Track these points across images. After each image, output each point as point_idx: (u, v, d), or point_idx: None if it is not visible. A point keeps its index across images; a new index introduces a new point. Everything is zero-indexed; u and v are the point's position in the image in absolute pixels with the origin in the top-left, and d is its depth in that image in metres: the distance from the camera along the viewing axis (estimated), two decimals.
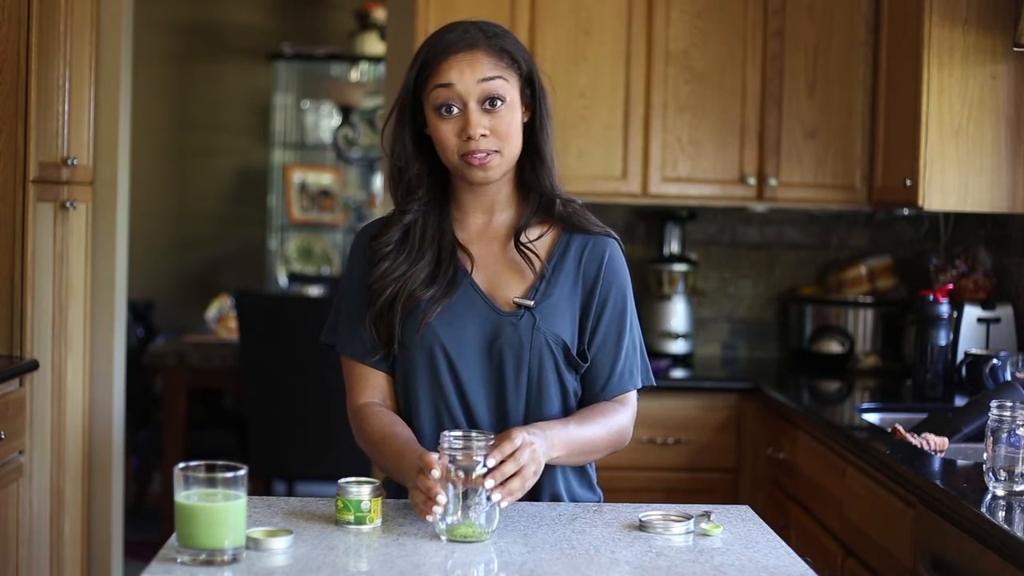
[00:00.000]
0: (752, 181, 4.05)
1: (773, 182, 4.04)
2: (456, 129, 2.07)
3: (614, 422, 2.16)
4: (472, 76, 2.06)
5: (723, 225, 4.43)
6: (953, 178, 3.49)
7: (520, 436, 1.90)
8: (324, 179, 7.22)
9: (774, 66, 4.04)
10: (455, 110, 2.07)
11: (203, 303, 6.13)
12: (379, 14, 6.72)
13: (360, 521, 1.92)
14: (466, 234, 2.18)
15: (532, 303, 2.11)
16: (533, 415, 2.12)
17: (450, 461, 1.85)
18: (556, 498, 2.16)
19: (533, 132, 2.16)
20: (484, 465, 1.85)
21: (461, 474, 1.84)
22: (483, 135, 2.06)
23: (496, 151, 2.08)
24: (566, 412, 2.16)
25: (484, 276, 2.15)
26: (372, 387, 2.17)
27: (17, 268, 3.29)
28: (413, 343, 2.11)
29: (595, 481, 2.27)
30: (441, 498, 1.82)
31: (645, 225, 4.42)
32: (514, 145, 2.11)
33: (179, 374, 5.14)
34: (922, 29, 3.46)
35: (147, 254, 6.55)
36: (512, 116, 2.10)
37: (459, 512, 1.84)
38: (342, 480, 1.95)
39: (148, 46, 6.45)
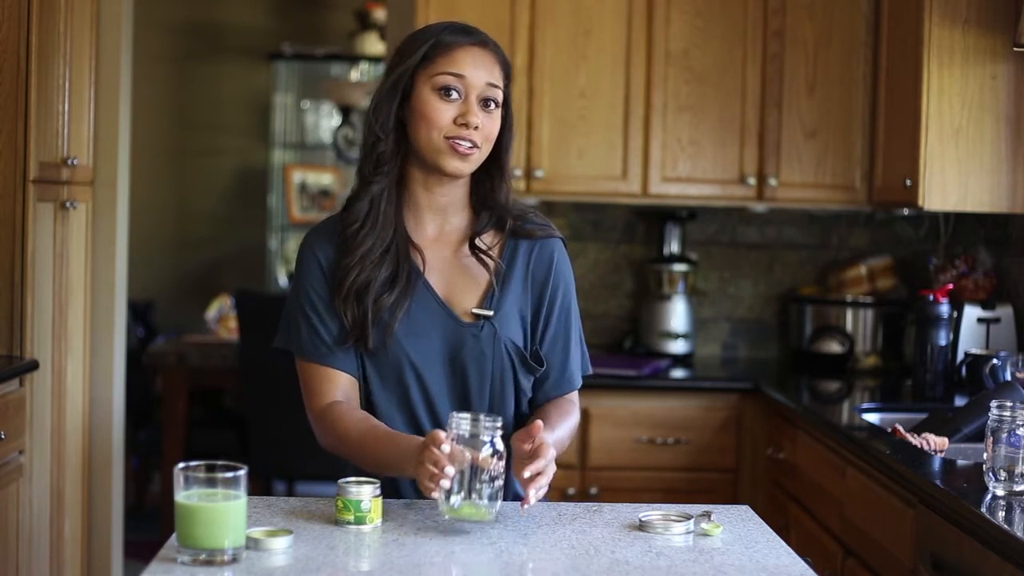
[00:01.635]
0: (752, 181, 4.05)
1: (773, 182, 4.04)
2: (453, 113, 2.09)
3: (573, 421, 2.23)
4: (483, 74, 2.11)
5: (723, 225, 4.43)
6: (953, 178, 3.49)
7: (552, 450, 1.94)
8: (324, 179, 7.22)
9: (774, 66, 4.04)
10: (456, 97, 2.10)
11: (203, 303, 6.13)
12: (379, 14, 6.72)
13: (360, 521, 1.92)
14: (418, 236, 2.19)
15: (491, 313, 2.14)
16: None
17: (457, 441, 1.87)
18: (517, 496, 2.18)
19: (500, 146, 2.19)
20: (492, 445, 1.86)
21: (468, 454, 1.85)
22: (476, 127, 2.10)
23: (479, 147, 2.12)
24: (519, 415, 2.21)
25: (440, 282, 2.17)
26: (335, 387, 2.15)
27: (17, 268, 3.29)
28: (380, 353, 2.12)
29: None
30: (449, 470, 1.83)
31: (645, 225, 4.42)
32: (488, 149, 2.15)
33: (179, 374, 5.14)
34: (922, 29, 3.46)
35: (147, 254, 6.54)
36: (496, 123, 2.15)
37: (464, 492, 1.86)
38: (342, 480, 1.95)
39: (148, 46, 6.45)
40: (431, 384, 2.14)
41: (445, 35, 2.12)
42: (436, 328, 2.14)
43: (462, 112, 2.09)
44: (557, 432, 2.13)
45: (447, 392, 2.15)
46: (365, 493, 1.92)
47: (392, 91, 2.14)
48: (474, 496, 1.86)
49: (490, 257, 2.17)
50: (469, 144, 2.10)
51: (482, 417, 1.89)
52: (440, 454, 1.84)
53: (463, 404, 2.15)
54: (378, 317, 2.10)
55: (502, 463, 1.88)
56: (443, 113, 2.09)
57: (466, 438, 1.87)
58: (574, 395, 2.27)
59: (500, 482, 1.88)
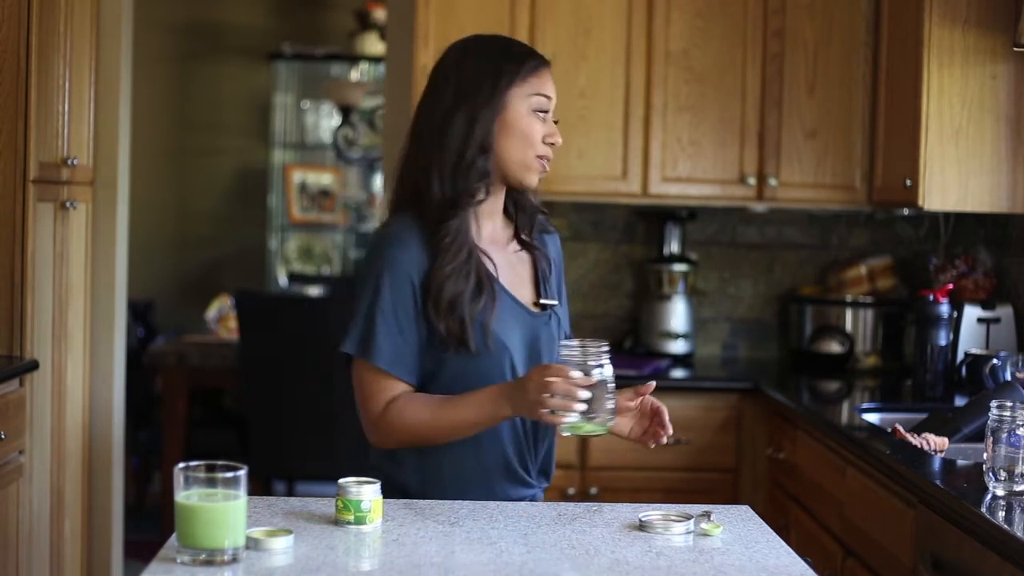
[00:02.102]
0: (752, 181, 4.05)
1: (773, 182, 4.04)
2: (543, 132, 2.21)
3: None
4: (555, 99, 2.25)
5: (723, 225, 4.43)
6: (953, 178, 3.49)
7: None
8: (324, 179, 7.22)
9: (774, 66, 4.04)
10: (546, 116, 2.23)
11: (203, 303, 6.13)
12: (379, 14, 6.72)
13: (360, 521, 1.92)
14: (479, 240, 2.25)
15: (556, 302, 2.29)
16: None
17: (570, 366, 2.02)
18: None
19: None
20: (601, 368, 2.02)
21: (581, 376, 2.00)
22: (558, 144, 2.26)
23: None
24: None
25: (504, 280, 2.25)
26: (395, 390, 2.18)
27: (17, 268, 3.29)
28: (484, 354, 2.17)
29: None
30: (584, 393, 1.99)
31: (645, 225, 4.42)
32: None
33: (179, 374, 5.14)
34: (922, 29, 3.46)
35: (147, 254, 6.55)
36: None
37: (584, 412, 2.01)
38: (342, 480, 1.95)
39: (148, 46, 6.45)
40: (521, 374, 2.20)
41: (532, 57, 2.22)
42: (518, 323, 2.22)
43: (549, 132, 2.22)
44: None
45: None
46: (365, 493, 1.93)
47: (492, 106, 2.18)
48: (591, 415, 2.01)
49: (539, 251, 2.31)
50: (547, 161, 2.23)
51: (589, 342, 2.03)
52: (573, 382, 1.98)
53: None
54: (474, 322, 2.15)
55: (612, 384, 2.03)
56: (539, 133, 2.20)
57: (578, 362, 2.02)
58: None
59: (612, 403, 2.03)
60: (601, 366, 2.02)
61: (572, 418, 2.00)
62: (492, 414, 2.10)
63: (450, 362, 2.16)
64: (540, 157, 2.20)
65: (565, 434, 2.06)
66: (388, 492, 2.06)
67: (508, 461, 2.21)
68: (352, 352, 2.17)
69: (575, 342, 2.04)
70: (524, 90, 2.18)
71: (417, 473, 2.21)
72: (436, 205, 2.17)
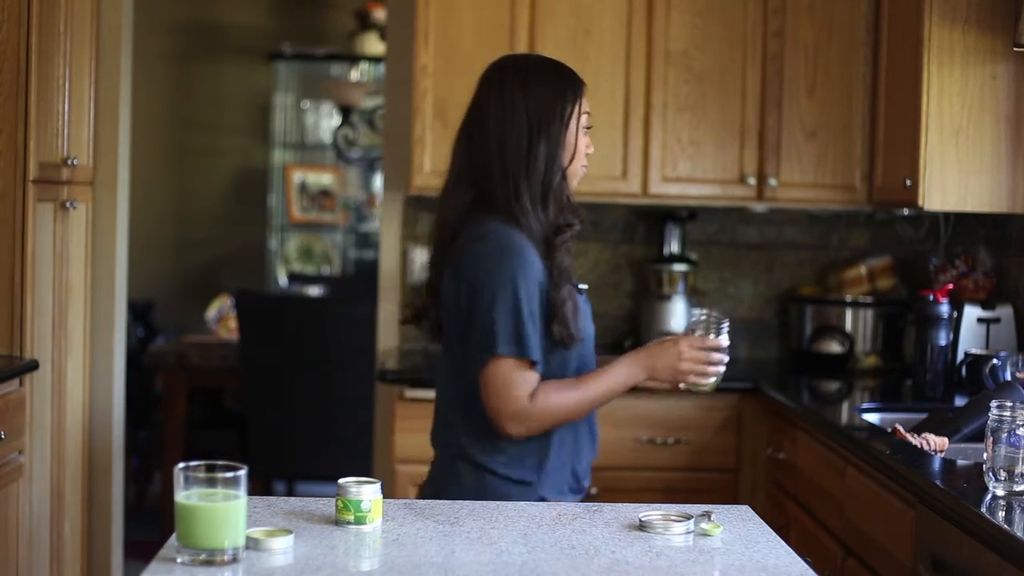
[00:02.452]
0: (752, 181, 4.05)
1: (773, 182, 4.04)
2: (585, 143, 2.50)
3: None
4: None
5: (723, 225, 4.43)
6: (953, 178, 3.48)
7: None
8: (324, 179, 7.23)
9: (774, 66, 4.04)
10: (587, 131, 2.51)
11: (203, 303, 6.14)
12: (379, 14, 6.72)
13: (360, 521, 1.92)
14: None
15: (587, 286, 2.57)
16: None
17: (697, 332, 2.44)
18: None
19: None
20: (721, 333, 2.46)
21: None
22: None
23: None
24: None
25: None
26: (534, 382, 2.37)
27: (17, 268, 3.29)
28: (576, 344, 2.43)
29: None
30: (724, 356, 2.46)
31: (645, 225, 4.42)
32: None
33: (179, 374, 5.14)
34: (922, 29, 3.46)
35: (147, 254, 6.55)
36: None
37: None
38: (342, 480, 1.96)
39: (148, 46, 6.45)
40: (587, 359, 2.50)
41: (579, 80, 2.51)
42: (585, 312, 2.48)
43: (588, 142, 2.51)
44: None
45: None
46: (365, 493, 1.93)
47: (563, 132, 2.44)
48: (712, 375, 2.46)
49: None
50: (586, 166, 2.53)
51: (714, 314, 2.46)
52: (714, 353, 2.44)
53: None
54: (573, 315, 2.41)
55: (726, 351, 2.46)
56: (585, 146, 2.50)
57: (711, 331, 2.44)
58: None
59: (722, 366, 2.47)
60: (721, 332, 2.45)
61: (711, 380, 2.46)
62: (626, 383, 2.44)
63: (554, 353, 2.41)
64: (584, 165, 2.51)
65: (683, 388, 2.48)
66: (386, 493, 2.08)
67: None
68: (508, 352, 2.32)
69: (703, 311, 2.47)
70: (578, 111, 2.46)
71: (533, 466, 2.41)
72: (533, 224, 2.41)
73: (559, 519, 2.02)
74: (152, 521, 5.24)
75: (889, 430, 2.93)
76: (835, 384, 3.96)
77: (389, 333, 4.31)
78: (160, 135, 6.96)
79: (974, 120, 3.47)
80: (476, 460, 2.37)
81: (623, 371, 2.44)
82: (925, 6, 3.44)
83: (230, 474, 1.72)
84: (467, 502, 2.13)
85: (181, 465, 1.73)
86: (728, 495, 3.78)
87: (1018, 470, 2.20)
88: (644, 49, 4.02)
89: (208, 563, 1.70)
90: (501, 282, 2.32)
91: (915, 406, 3.35)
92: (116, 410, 4.10)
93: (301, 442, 4.79)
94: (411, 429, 3.56)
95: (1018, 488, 2.21)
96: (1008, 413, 2.21)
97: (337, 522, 1.94)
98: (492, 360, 2.32)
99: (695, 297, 4.34)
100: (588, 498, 3.72)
